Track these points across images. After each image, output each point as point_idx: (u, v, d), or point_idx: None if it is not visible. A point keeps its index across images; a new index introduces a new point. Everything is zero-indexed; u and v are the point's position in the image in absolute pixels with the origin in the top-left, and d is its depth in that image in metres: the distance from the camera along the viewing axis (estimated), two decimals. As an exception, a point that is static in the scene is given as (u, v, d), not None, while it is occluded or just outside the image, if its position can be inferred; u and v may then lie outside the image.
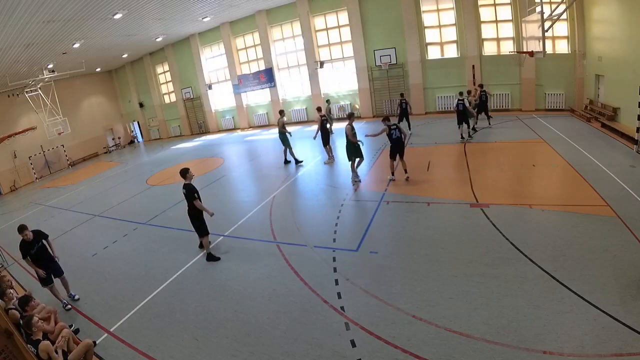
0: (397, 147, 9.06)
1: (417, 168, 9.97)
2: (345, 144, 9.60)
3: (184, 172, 6.70)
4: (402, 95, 15.06)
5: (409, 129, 14.47)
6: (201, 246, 7.33)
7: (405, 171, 9.30)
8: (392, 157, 9.27)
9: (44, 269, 5.98)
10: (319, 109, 12.91)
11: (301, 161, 12.68)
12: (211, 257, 6.96)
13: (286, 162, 12.93)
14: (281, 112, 12.78)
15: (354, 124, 9.55)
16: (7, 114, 21.37)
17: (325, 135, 12.11)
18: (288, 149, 12.61)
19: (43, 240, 6.11)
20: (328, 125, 12.60)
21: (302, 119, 21.76)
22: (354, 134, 9.33)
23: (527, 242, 5.74)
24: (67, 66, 19.15)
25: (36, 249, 5.95)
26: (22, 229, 5.90)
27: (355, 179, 9.79)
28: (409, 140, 13.37)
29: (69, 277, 6.46)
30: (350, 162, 9.76)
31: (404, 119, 14.50)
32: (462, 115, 11.82)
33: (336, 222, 7.61)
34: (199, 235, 6.97)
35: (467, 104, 11.82)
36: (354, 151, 9.49)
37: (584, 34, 13.59)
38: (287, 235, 7.45)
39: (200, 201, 6.77)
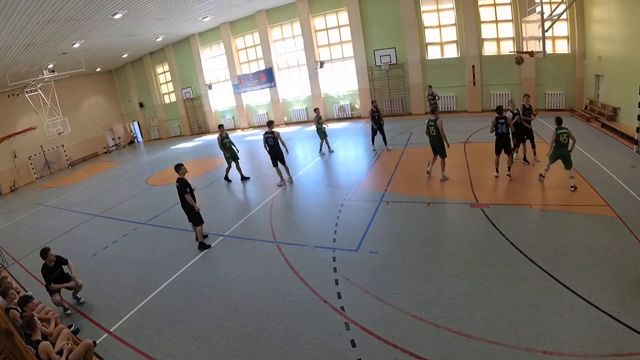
0: (502, 142, 8.40)
1: (418, 168, 9.97)
2: (437, 141, 8.64)
3: (177, 167, 7.25)
4: (373, 103, 12.65)
5: (384, 143, 12.56)
6: (200, 247, 7.43)
7: (508, 168, 8.50)
8: (497, 152, 8.52)
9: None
10: (270, 123, 10.33)
11: (248, 177, 11.97)
12: (202, 246, 7.39)
13: (229, 179, 11.91)
14: (220, 127, 11.44)
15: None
16: (7, 114, 21.36)
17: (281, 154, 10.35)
18: (236, 164, 11.60)
19: (63, 267, 6.18)
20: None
21: (302, 119, 21.77)
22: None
23: (527, 242, 5.74)
24: (67, 66, 19.14)
25: (56, 275, 6.05)
26: (45, 252, 5.95)
27: (446, 177, 8.97)
28: (410, 141, 13.38)
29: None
30: (442, 159, 8.87)
31: (378, 132, 12.14)
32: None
33: (336, 222, 7.61)
34: (194, 224, 7.40)
35: None
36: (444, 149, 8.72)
37: (584, 34, 13.59)
38: (287, 235, 7.46)
39: (194, 195, 7.25)
